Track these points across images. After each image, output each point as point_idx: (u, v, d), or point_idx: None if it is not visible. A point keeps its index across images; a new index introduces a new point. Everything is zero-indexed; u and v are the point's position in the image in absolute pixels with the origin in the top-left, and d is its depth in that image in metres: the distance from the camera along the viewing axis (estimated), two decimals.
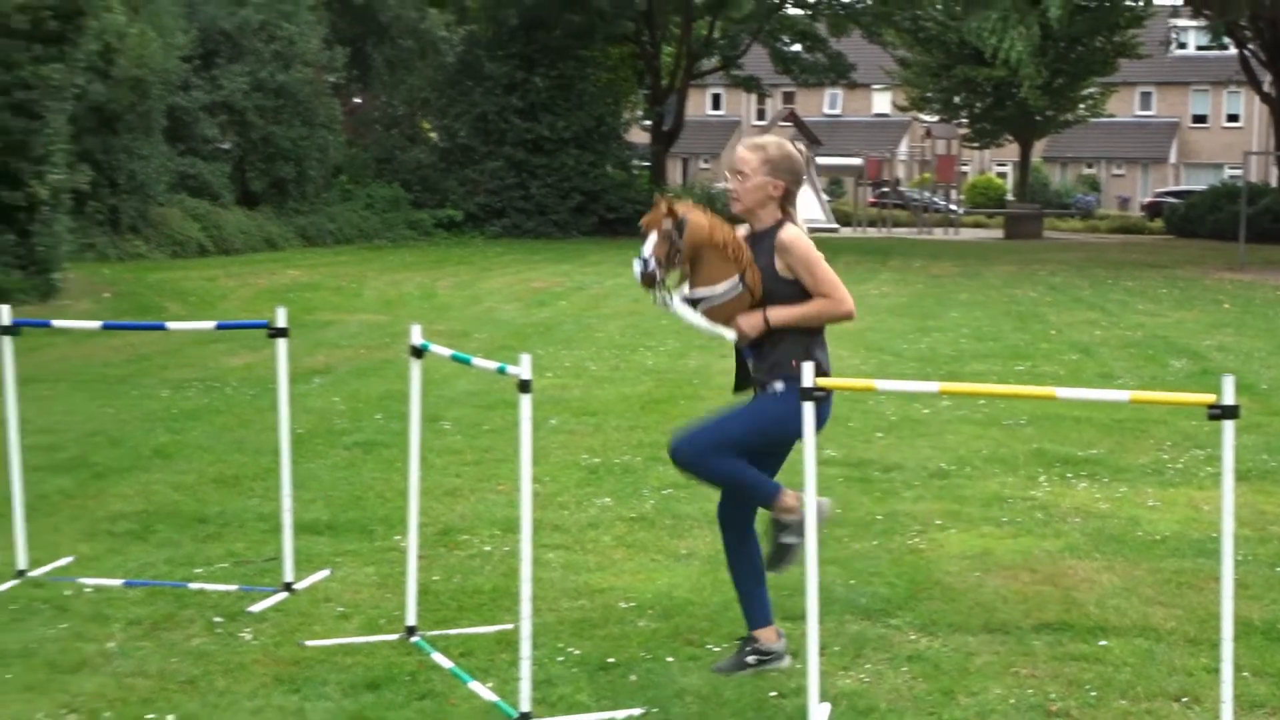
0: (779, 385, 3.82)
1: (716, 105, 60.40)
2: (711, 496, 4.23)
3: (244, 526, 5.51)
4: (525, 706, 3.52)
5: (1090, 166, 58.39)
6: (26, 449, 5.25)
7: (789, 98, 53.62)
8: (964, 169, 49.12)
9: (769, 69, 38.56)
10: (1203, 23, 33.66)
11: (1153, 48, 40.74)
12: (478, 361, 3.96)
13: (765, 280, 3.83)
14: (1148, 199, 50.36)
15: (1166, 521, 5.70)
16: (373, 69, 33.24)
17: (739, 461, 3.85)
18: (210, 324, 5.22)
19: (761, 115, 51.93)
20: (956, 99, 41.75)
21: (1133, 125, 57.99)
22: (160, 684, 3.79)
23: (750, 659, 3.96)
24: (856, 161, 42.29)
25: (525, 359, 3.55)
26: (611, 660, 3.99)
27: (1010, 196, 48.61)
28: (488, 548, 5.21)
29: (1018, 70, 25.53)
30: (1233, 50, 32.68)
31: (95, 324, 5.73)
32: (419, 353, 4.22)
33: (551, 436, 7.36)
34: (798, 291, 3.81)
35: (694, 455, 3.85)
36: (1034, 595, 4.65)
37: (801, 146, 4.05)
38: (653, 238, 3.83)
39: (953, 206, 41.50)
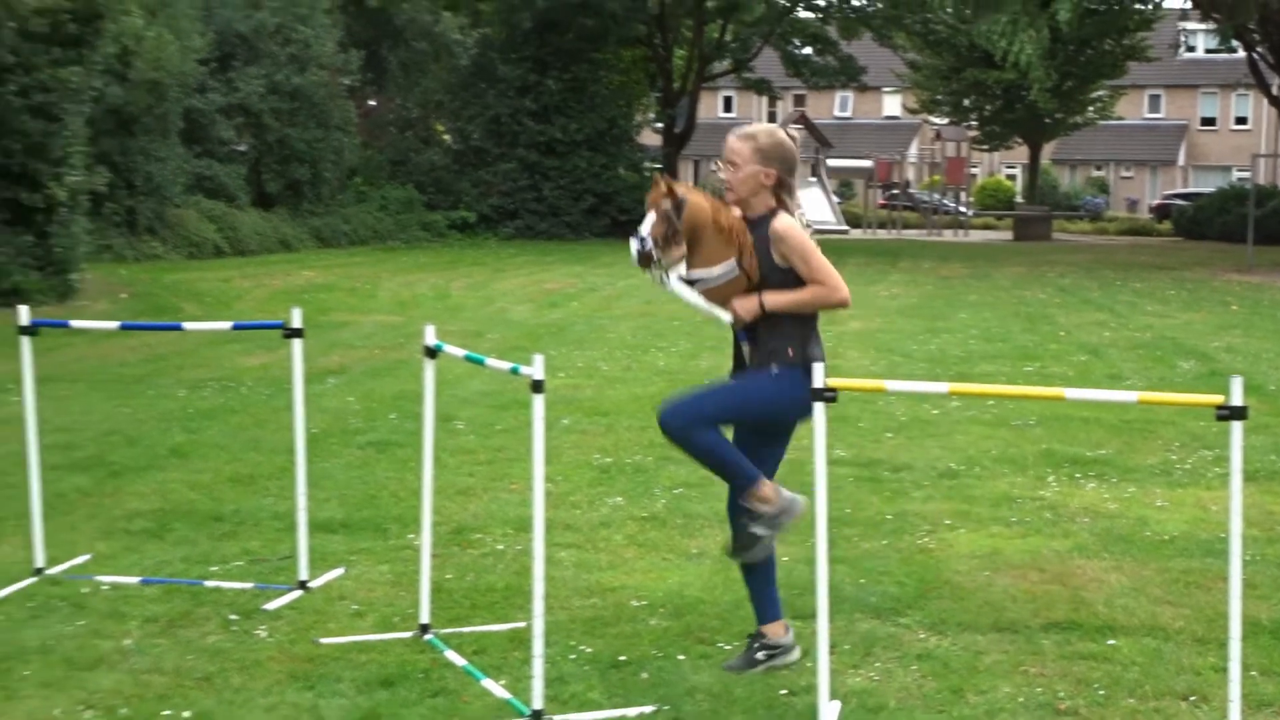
0: (774, 368, 3.83)
1: (728, 108, 60.37)
2: (722, 496, 4.24)
3: (259, 525, 5.53)
4: (538, 704, 3.54)
5: (1099, 169, 58.37)
6: (44, 448, 5.28)
7: (800, 100, 53.60)
8: (973, 171, 49.10)
9: (780, 72, 38.59)
10: (1211, 26, 33.60)
11: (1161, 51, 40.70)
12: (491, 362, 3.97)
13: (761, 268, 3.84)
14: (1156, 201, 50.27)
15: (1175, 521, 5.70)
16: (387, 72, 33.35)
17: (723, 439, 3.84)
18: (226, 324, 5.24)
19: (773, 118, 51.88)
20: (966, 101, 41.75)
21: (1141, 128, 57.96)
22: (176, 681, 3.81)
23: (759, 655, 3.97)
24: (867, 164, 42.28)
25: (538, 359, 3.57)
26: (623, 658, 4.00)
27: (1019, 198, 48.52)
28: (500, 546, 5.23)
29: (1027, 73, 25.51)
30: (1241, 53, 32.62)
31: (112, 324, 5.78)
32: (433, 353, 4.24)
33: (564, 436, 7.37)
34: (793, 279, 3.82)
35: (680, 424, 3.82)
36: (1043, 594, 4.66)
37: (794, 132, 4.02)
38: (651, 217, 3.83)
39: (962, 208, 41.51)
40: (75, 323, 5.94)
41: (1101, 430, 7.70)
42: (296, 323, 4.63)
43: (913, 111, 47.82)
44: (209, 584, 4.71)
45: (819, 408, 3.47)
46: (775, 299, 3.82)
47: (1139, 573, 4.94)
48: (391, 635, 4.20)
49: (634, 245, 3.83)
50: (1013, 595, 4.65)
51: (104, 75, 18.03)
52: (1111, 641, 4.19)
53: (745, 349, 3.93)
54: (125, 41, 18.62)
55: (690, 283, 3.85)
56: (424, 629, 4.22)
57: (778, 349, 3.84)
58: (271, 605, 4.47)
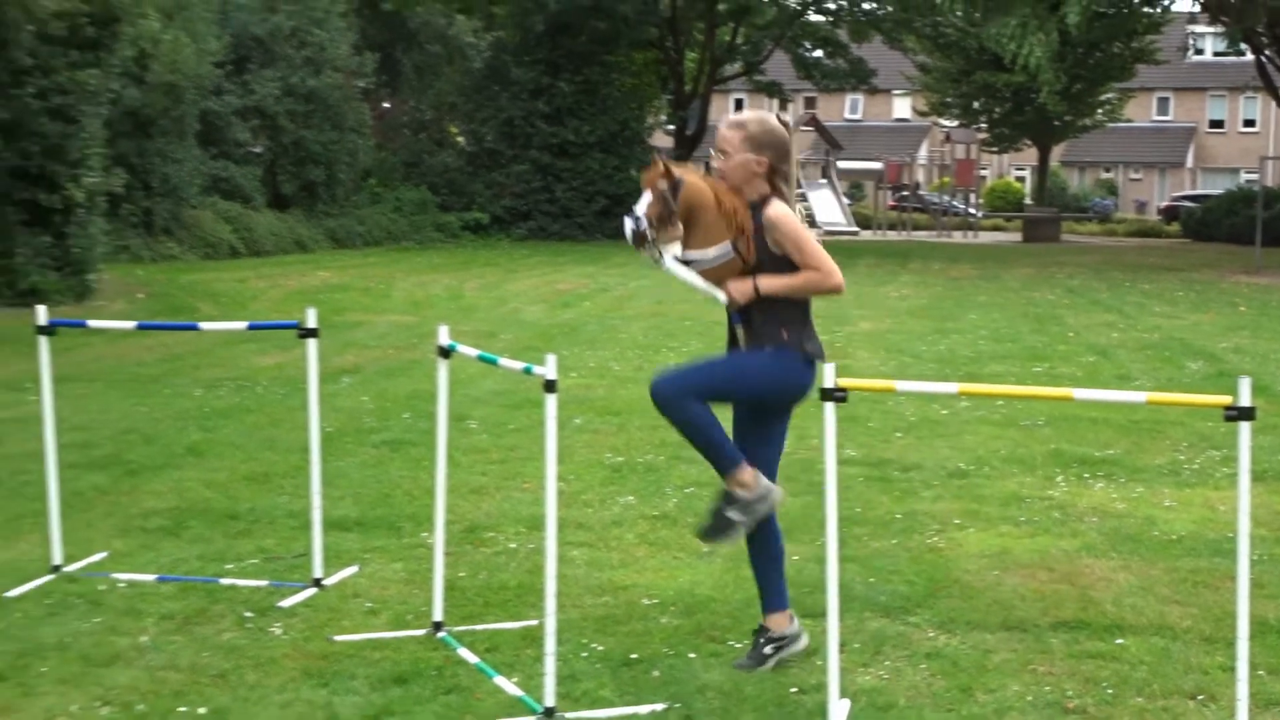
0: (768, 348, 3.85)
1: (739, 110, 60.49)
2: None
3: (274, 523, 5.55)
4: (550, 701, 3.56)
5: (1108, 171, 58.35)
6: (62, 446, 5.31)
7: (810, 103, 53.59)
8: (983, 173, 49.07)
9: (791, 74, 38.62)
10: (1220, 29, 33.53)
11: (1170, 54, 40.73)
12: (504, 362, 3.98)
13: (756, 253, 3.85)
14: (1165, 203, 50.25)
15: (1183, 521, 5.70)
16: (401, 74, 33.46)
17: (713, 416, 3.85)
18: (242, 324, 5.25)
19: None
20: (976, 104, 41.81)
21: (1150, 130, 57.96)
22: (192, 677, 3.83)
23: (766, 650, 3.98)
24: (877, 165, 42.27)
25: (551, 359, 3.58)
26: (635, 656, 4.01)
27: (1028, 200, 48.54)
28: (513, 545, 5.25)
29: (1036, 76, 25.56)
30: (1249, 56, 32.54)
31: (130, 324, 5.76)
32: (446, 353, 4.25)
33: (576, 436, 7.39)
34: (788, 265, 3.83)
35: (672, 393, 3.82)
36: (1051, 594, 4.66)
37: (787, 118, 4.02)
38: (647, 197, 3.82)
39: (972, 210, 41.49)
40: (93, 323, 5.96)
41: (1110, 430, 7.71)
42: (311, 323, 4.65)
43: (922, 114, 47.90)
44: (224, 581, 4.72)
45: (829, 407, 3.47)
46: (770, 283, 3.83)
47: (1147, 572, 4.94)
48: (405, 633, 4.21)
49: (628, 224, 3.83)
50: (1021, 594, 4.65)
51: (121, 78, 18.15)
52: (1120, 640, 4.19)
53: (739, 331, 3.93)
54: (142, 44, 18.73)
55: (685, 263, 3.85)
56: (437, 626, 4.23)
57: (772, 332, 3.86)
58: (286, 603, 4.49)
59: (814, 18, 36.46)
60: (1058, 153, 50.16)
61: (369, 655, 4.01)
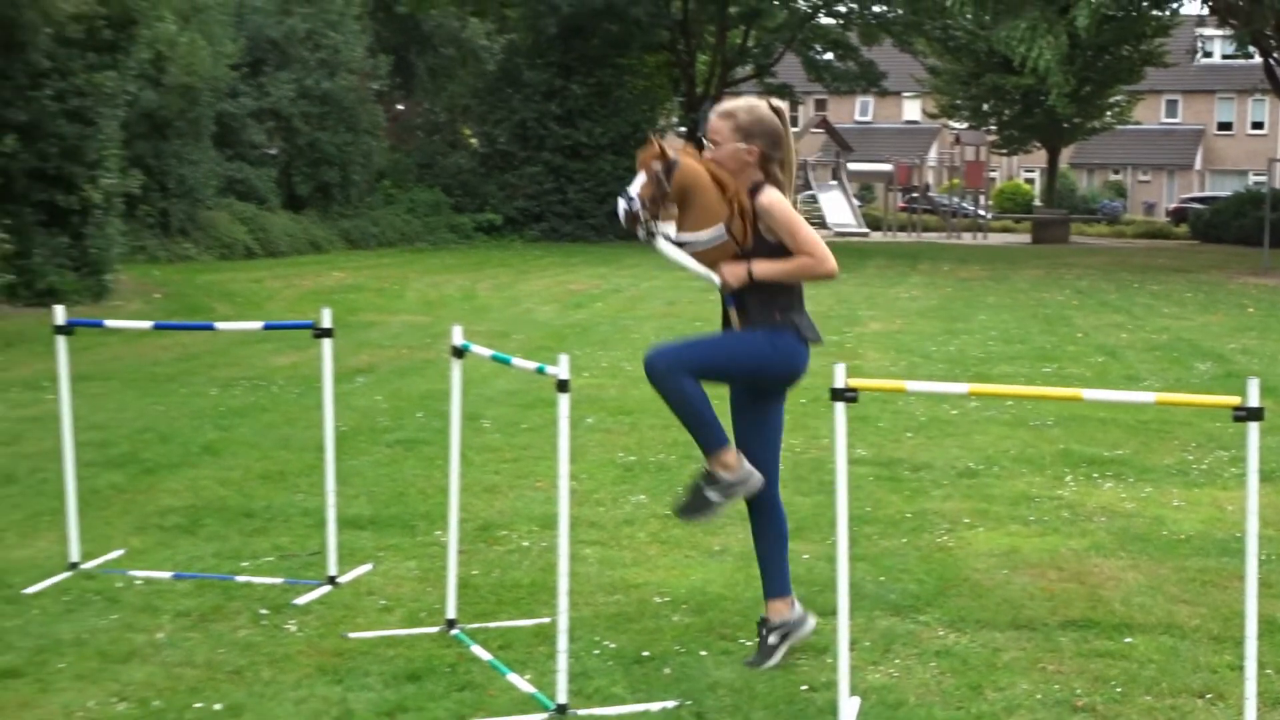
0: (762, 330, 3.86)
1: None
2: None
3: (289, 521, 5.57)
4: (562, 698, 3.58)
5: (1117, 173, 58.34)
6: (80, 445, 5.36)
7: (821, 105, 53.58)
8: (992, 175, 49.08)
9: (802, 77, 38.64)
10: (1228, 32, 33.54)
11: (1179, 56, 40.67)
12: (517, 362, 3.99)
13: (751, 237, 3.84)
14: (1173, 205, 50.18)
15: (1191, 521, 5.71)
16: (415, 77, 33.58)
17: (703, 394, 3.85)
18: (257, 324, 5.29)
19: (794, 122, 51.93)
20: (985, 106, 41.84)
21: (1159, 132, 57.97)
22: (208, 674, 3.85)
23: (772, 639, 3.97)
24: (887, 167, 42.25)
25: (564, 359, 3.59)
26: (646, 654, 4.02)
27: (1038, 202, 48.49)
28: (526, 543, 5.27)
29: (1046, 78, 25.58)
30: (1257, 59, 32.51)
31: (146, 324, 5.79)
32: (460, 353, 4.26)
33: (588, 435, 7.41)
34: (781, 251, 3.84)
35: (665, 367, 3.82)
36: (1060, 593, 4.67)
37: (778, 103, 3.97)
38: (641, 177, 3.81)
39: (981, 211, 41.48)
40: (110, 322, 6.01)
41: (1119, 430, 7.72)
42: (326, 323, 4.67)
43: (932, 116, 47.93)
44: (240, 579, 4.74)
45: (840, 407, 3.48)
46: (764, 267, 3.83)
47: (1156, 571, 4.95)
48: (419, 630, 4.23)
49: (621, 204, 3.82)
50: (1031, 593, 4.66)
51: (138, 80, 18.25)
52: (1128, 639, 4.20)
53: (732, 314, 3.93)
54: (159, 47, 18.81)
55: (679, 245, 3.84)
56: (450, 624, 4.25)
57: (766, 315, 3.86)
58: (301, 600, 4.51)
59: (825, 21, 36.52)
60: (1067, 155, 50.14)
61: (383, 652, 4.03)
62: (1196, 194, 51.39)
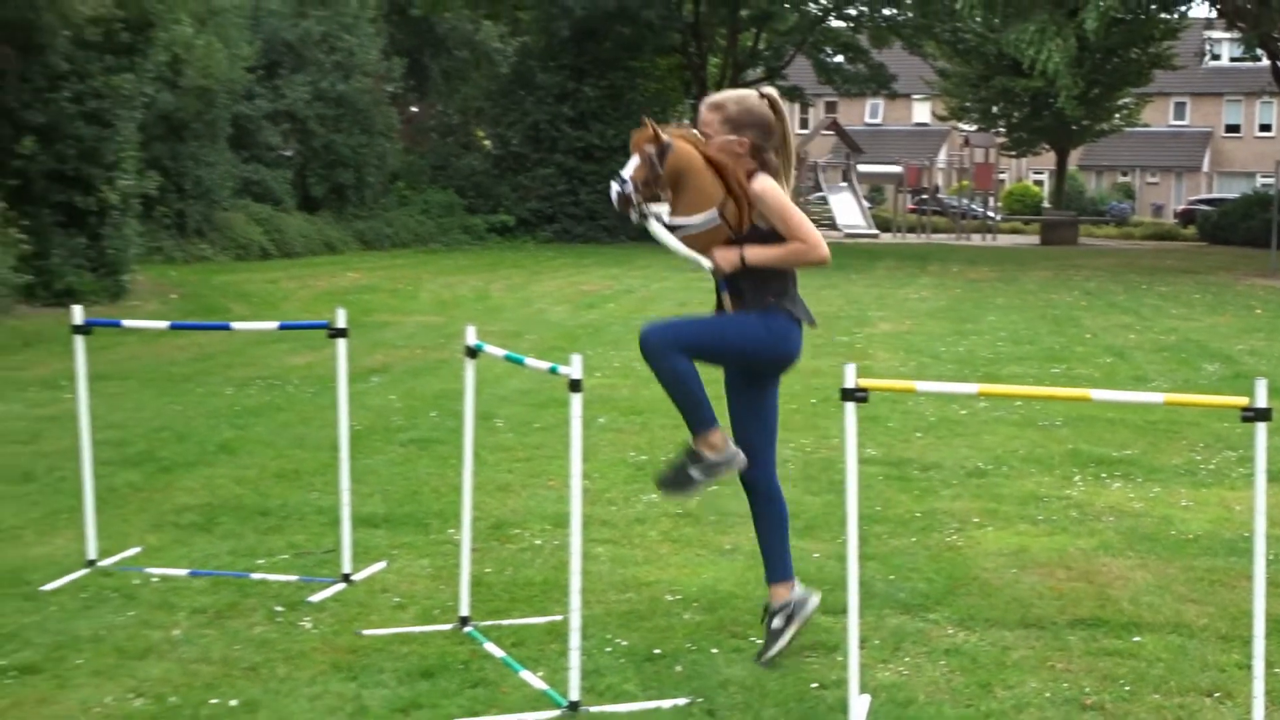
0: (755, 312, 3.87)
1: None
2: None
3: (304, 519, 5.60)
4: (574, 695, 3.60)
5: (1125, 174, 58.31)
6: (97, 444, 5.40)
7: (831, 107, 53.56)
8: (1001, 177, 49.07)
9: (812, 79, 38.70)
10: (1236, 35, 33.44)
11: (1187, 59, 40.58)
12: (530, 362, 4.01)
13: (744, 230, 3.84)
14: (1181, 207, 50.09)
15: (1199, 521, 5.71)
16: (429, 79, 33.69)
17: (696, 373, 3.85)
18: (273, 324, 5.30)
19: (805, 124, 52.04)
20: (995, 109, 41.87)
21: (1167, 135, 57.90)
22: (223, 670, 3.87)
23: (776, 622, 3.97)
24: (897, 169, 42.25)
25: (576, 359, 3.61)
26: (658, 651, 4.04)
27: (1047, 204, 48.43)
28: (538, 541, 5.29)
29: (1055, 81, 25.59)
30: (1265, 62, 32.43)
31: (163, 324, 5.80)
32: (473, 353, 4.28)
33: (600, 434, 7.43)
34: (775, 238, 3.84)
35: (660, 343, 3.82)
36: (1069, 592, 4.69)
37: (768, 90, 3.96)
38: (634, 160, 3.80)
39: (990, 213, 41.46)
40: (127, 322, 6.02)
41: (1127, 431, 7.73)
42: (341, 323, 4.69)
43: (942, 118, 48.00)
44: (255, 576, 4.77)
45: (850, 407, 3.49)
46: (756, 252, 3.84)
47: (1164, 571, 4.96)
48: (432, 627, 4.25)
49: (614, 187, 3.81)
50: (1039, 592, 4.68)
51: (155, 82, 18.36)
52: (1137, 638, 4.21)
53: (725, 298, 3.93)
54: (176, 50, 18.93)
55: (672, 229, 3.83)
56: (464, 621, 4.27)
57: (759, 299, 3.87)
58: (316, 597, 4.54)
59: (835, 23, 36.60)
60: (1075, 157, 50.10)
61: (397, 649, 4.06)
62: (1204, 196, 51.37)
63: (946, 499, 6.08)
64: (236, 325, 5.71)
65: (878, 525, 5.52)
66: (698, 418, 3.90)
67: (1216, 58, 50.77)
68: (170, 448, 7.04)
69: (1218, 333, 13.41)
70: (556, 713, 3.60)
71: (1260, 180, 50.91)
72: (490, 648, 4.07)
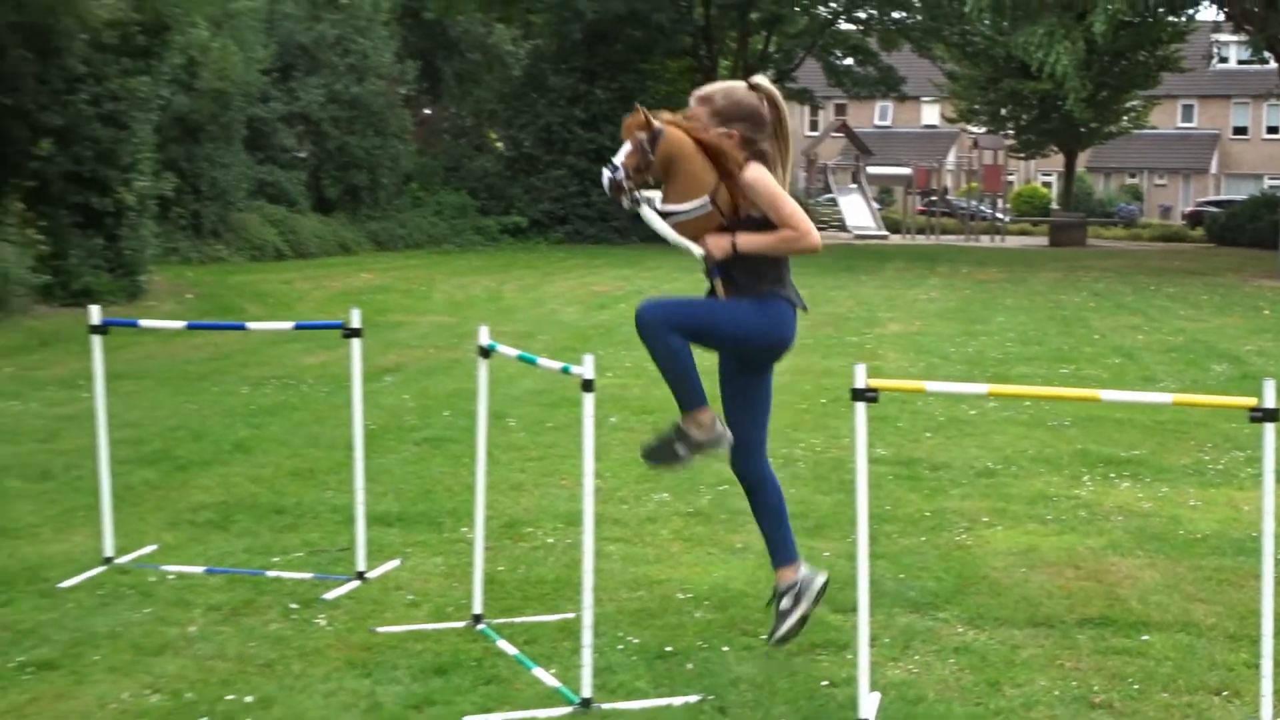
0: (749, 299, 3.88)
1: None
2: None
3: (319, 517, 5.63)
4: (586, 692, 3.62)
5: (1133, 176, 58.24)
6: (114, 442, 5.43)
7: (841, 109, 53.54)
8: (1010, 178, 48.98)
9: (822, 82, 38.75)
10: (1243, 38, 33.36)
11: (1194, 62, 40.51)
12: (543, 361, 4.04)
13: (736, 217, 3.85)
14: (1189, 208, 49.97)
15: (1207, 521, 5.72)
16: (442, 81, 33.78)
17: (690, 352, 3.87)
18: (288, 324, 5.35)
19: (814, 126, 52.05)
20: (1003, 111, 41.87)
21: (1175, 137, 57.83)
22: (239, 666, 3.90)
23: (785, 603, 3.96)
24: (906, 171, 42.24)
25: (589, 359, 3.63)
26: (669, 649, 4.07)
27: (1055, 205, 48.34)
28: (551, 540, 5.32)
29: (1063, 83, 25.59)
30: (1273, 64, 32.33)
31: (179, 324, 5.85)
32: (486, 353, 4.30)
33: (612, 434, 7.44)
34: (768, 226, 3.84)
35: (656, 320, 3.82)
36: (1078, 591, 4.70)
37: (758, 80, 3.95)
38: (626, 147, 3.80)
39: (999, 215, 41.42)
40: (144, 322, 6.06)
41: (1135, 431, 7.73)
42: (355, 323, 4.72)
43: (951, 120, 48.00)
44: (270, 574, 4.80)
45: (860, 407, 3.50)
46: (748, 240, 3.83)
47: (1172, 570, 4.97)
48: (445, 625, 4.27)
49: (605, 174, 3.81)
50: (1048, 591, 4.69)
51: (171, 85, 18.46)
52: (1145, 637, 4.23)
53: (718, 285, 3.92)
54: (192, 52, 19.04)
55: (664, 215, 3.84)
56: (477, 619, 4.29)
57: (752, 286, 3.87)
58: (330, 595, 4.56)
59: (845, 26, 36.63)
60: (1084, 159, 50.00)
61: (410, 646, 4.08)
62: (1212, 198, 51.23)
63: (956, 498, 6.09)
64: (252, 325, 5.75)
65: (888, 524, 5.54)
66: (688, 396, 3.91)
67: (1224, 60, 50.65)
68: (186, 446, 7.08)
69: (1225, 333, 13.40)
70: (568, 709, 3.63)
71: (1268, 182, 50.98)
72: (503, 645, 4.10)
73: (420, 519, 5.61)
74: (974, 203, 42.21)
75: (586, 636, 3.65)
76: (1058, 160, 46.31)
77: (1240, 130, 58.66)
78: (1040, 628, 4.32)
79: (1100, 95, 37.62)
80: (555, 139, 31.82)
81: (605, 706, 3.64)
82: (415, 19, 32.42)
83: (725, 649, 4.09)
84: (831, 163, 42.65)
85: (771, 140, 3.95)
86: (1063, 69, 24.42)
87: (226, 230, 22.69)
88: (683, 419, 3.95)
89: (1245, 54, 42.01)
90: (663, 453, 3.99)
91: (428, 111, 34.49)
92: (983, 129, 43.96)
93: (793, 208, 3.83)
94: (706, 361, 3.96)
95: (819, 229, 4.00)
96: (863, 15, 35.74)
